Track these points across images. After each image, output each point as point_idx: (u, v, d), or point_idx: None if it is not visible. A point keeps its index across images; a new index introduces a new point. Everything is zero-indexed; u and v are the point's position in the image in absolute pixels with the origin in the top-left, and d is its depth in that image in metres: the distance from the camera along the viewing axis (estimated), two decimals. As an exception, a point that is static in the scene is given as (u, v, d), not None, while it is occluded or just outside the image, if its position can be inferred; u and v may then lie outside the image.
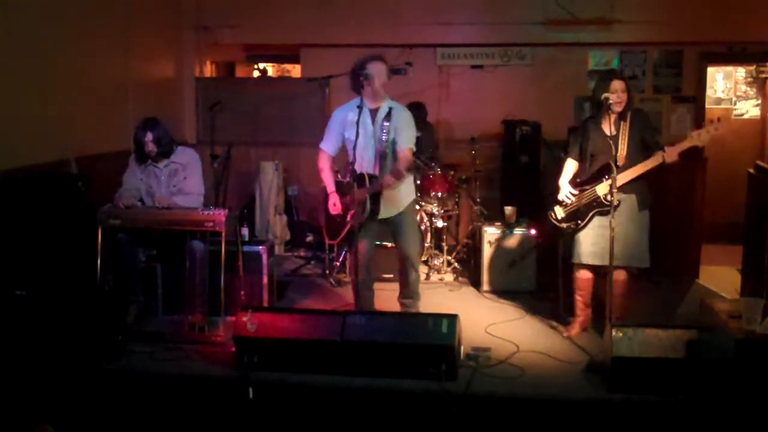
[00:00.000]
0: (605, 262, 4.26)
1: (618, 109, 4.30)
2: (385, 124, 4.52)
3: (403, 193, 4.67)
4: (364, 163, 4.59)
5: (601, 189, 4.36)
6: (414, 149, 4.57)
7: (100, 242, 4.55)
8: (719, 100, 8.41)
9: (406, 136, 4.52)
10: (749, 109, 8.43)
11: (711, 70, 7.85)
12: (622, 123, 4.34)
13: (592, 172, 4.45)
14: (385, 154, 4.56)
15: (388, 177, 4.39)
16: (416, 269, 4.81)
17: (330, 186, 4.68)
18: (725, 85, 8.42)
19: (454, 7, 7.04)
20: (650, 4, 6.82)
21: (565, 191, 4.52)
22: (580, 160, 4.55)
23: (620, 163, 4.25)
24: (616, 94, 4.26)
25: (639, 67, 7.05)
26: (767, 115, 8.27)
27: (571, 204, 4.51)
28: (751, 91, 8.42)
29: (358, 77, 4.48)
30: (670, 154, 4.16)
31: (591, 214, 4.42)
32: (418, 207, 5.87)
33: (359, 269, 4.65)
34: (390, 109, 4.57)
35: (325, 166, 4.71)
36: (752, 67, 8.33)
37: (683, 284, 5.99)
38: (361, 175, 4.55)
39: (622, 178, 4.23)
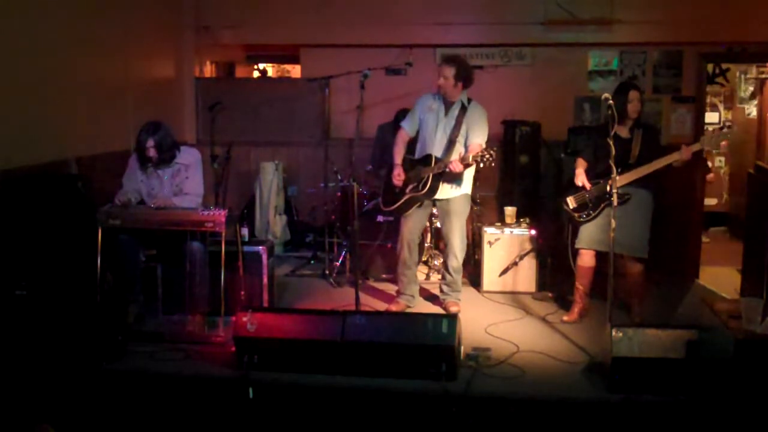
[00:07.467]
0: (607, 249, 4.43)
1: (634, 116, 4.70)
2: (458, 118, 4.91)
3: (461, 181, 5.00)
4: (434, 147, 4.97)
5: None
6: (484, 145, 4.82)
7: (100, 242, 4.55)
8: (719, 100, 8.41)
9: (477, 132, 4.89)
10: (749, 109, 8.42)
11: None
12: (636, 129, 4.73)
13: (604, 169, 4.62)
14: (453, 143, 4.91)
15: (455, 161, 4.74)
16: (458, 259, 5.12)
17: (398, 159, 5.09)
18: (725, 85, 8.41)
19: (454, 7, 7.03)
20: (650, 4, 6.80)
21: (584, 181, 4.83)
22: (591, 161, 4.87)
23: (631, 161, 4.65)
24: (632, 104, 4.66)
25: (639, 67, 7.04)
26: (767, 115, 8.27)
27: (584, 194, 4.84)
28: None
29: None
30: (686, 152, 4.49)
31: (602, 206, 4.76)
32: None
33: (401, 246, 5.13)
34: (464, 105, 4.93)
35: (399, 141, 5.13)
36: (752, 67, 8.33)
37: (683, 284, 6.00)
38: (429, 155, 4.97)
39: (634, 174, 4.61)
